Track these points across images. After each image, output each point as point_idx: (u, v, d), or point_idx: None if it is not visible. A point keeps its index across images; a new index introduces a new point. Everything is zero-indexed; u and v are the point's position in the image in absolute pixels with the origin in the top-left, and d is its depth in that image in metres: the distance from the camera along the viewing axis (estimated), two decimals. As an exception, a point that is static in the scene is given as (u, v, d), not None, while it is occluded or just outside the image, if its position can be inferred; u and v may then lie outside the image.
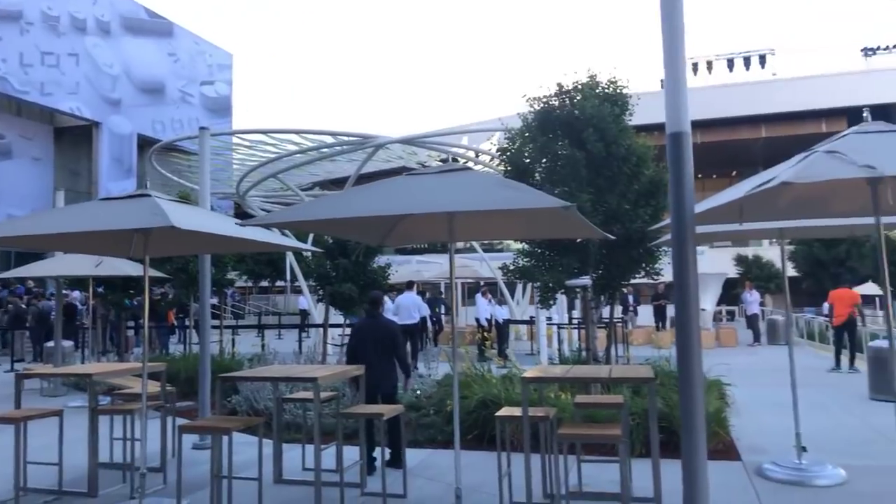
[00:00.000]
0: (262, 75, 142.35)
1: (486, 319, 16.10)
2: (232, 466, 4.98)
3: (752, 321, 18.48)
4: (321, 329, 12.19)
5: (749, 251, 32.50)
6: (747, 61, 42.31)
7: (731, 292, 28.99)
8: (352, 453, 5.88)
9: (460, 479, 4.44)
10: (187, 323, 15.45)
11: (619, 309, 22.24)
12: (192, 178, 22.36)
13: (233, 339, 13.96)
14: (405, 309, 12.51)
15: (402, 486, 5.46)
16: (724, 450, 6.63)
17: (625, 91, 9.21)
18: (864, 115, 4.38)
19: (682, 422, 3.55)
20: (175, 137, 25.40)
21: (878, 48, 41.14)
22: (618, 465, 5.43)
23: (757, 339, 18.20)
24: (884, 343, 9.75)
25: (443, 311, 21.14)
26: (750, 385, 10.47)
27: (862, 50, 40.74)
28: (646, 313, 21.73)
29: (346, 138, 16.29)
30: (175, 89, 42.97)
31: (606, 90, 9.22)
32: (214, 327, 14.18)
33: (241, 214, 20.78)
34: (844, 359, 12.77)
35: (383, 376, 6.02)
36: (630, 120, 9.12)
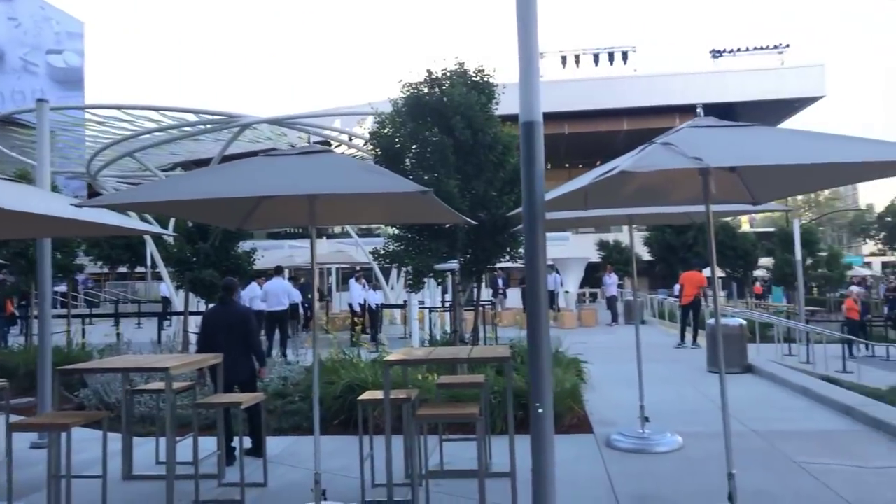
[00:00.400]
0: (122, 48, 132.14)
1: (360, 304, 16.02)
2: (72, 465, 4.64)
3: (611, 302, 19.70)
4: (182, 317, 11.59)
5: (610, 237, 34.46)
6: (611, 57, 44.70)
7: (593, 275, 30.70)
8: (211, 444, 5.66)
9: (320, 464, 4.40)
10: (31, 312, 14.15)
11: (489, 292, 22.97)
12: (34, 154, 20.38)
13: (83, 329, 12.96)
14: (274, 295, 12.19)
15: (263, 475, 5.34)
16: (579, 423, 7.04)
17: (491, 80, 9.44)
18: (698, 111, 4.76)
19: (531, 397, 3.71)
20: (12, 110, 23.02)
21: (725, 51, 44.86)
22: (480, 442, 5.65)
23: (615, 319, 19.43)
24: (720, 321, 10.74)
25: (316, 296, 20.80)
26: (605, 362, 11.16)
27: (711, 52, 44.25)
28: (514, 296, 22.54)
29: (210, 117, 15.49)
30: (16, 57, 38.99)
31: (474, 79, 9.41)
32: (61, 316, 13.08)
33: (95, 195, 19.20)
34: (690, 336, 13.93)
35: (238, 364, 5.84)
36: (496, 109, 9.37)
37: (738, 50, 44.19)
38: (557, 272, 22.10)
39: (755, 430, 6.63)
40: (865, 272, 36.28)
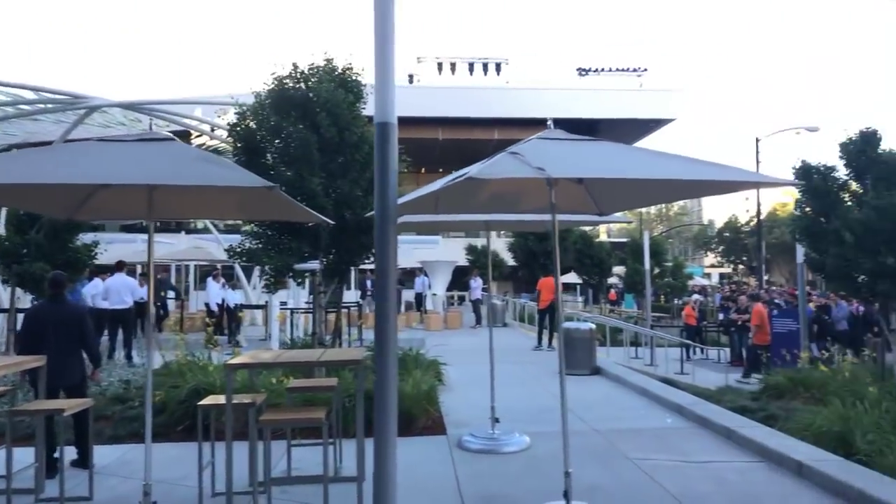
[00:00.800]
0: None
1: (218, 304, 15.28)
2: None
3: (475, 305, 20.16)
4: (7, 315, 10.47)
5: (479, 241, 35.38)
6: (485, 67, 45.91)
7: (462, 279, 31.35)
8: (29, 456, 5.13)
9: (150, 473, 4.10)
10: None
11: (357, 293, 22.77)
12: None
13: None
14: (115, 292, 11.27)
15: (88, 488, 4.91)
16: (433, 425, 7.10)
17: (360, 79, 9.34)
18: (548, 123, 4.93)
19: (375, 400, 3.66)
20: None
21: (591, 70, 47.50)
22: (331, 447, 5.53)
23: (479, 321, 19.91)
24: (570, 325, 11.30)
25: (171, 295, 19.62)
26: (465, 363, 11.36)
27: (577, 69, 46.66)
28: (383, 298, 22.45)
29: (51, 96, 14.14)
30: None
31: (343, 76, 9.27)
32: None
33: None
34: (546, 338, 14.54)
35: (67, 367, 5.33)
36: (364, 108, 9.28)
37: (603, 70, 46.93)
38: (426, 275, 22.32)
39: (596, 428, 7.00)
40: (704, 282, 39.78)
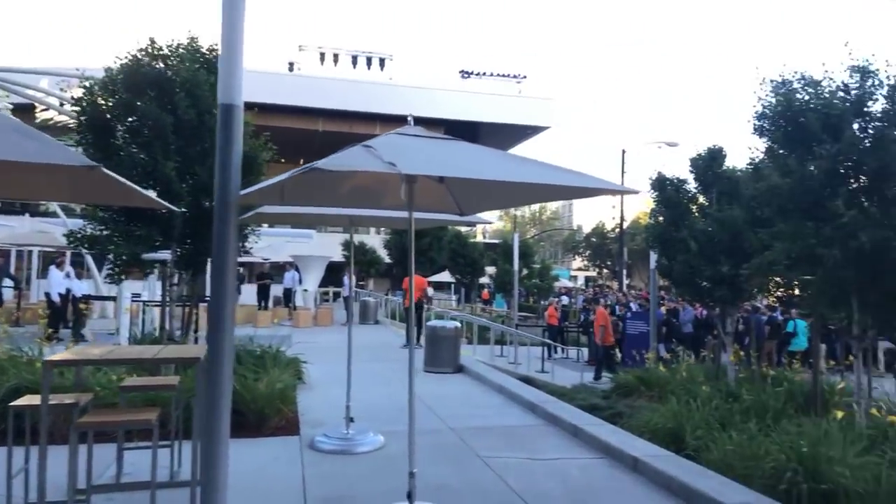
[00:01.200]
0: None
1: (61, 294, 14.00)
2: None
3: (347, 302, 19.86)
4: None
5: (357, 238, 35.04)
6: (369, 61, 45.51)
7: (338, 275, 30.88)
8: None
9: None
10: None
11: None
12: None
13: None
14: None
15: None
16: (287, 426, 6.85)
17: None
18: (409, 119, 4.88)
19: (207, 400, 3.43)
20: None
21: (473, 73, 48.38)
22: (169, 450, 5.17)
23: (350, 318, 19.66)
24: (436, 323, 11.38)
25: (9, 283, 17.79)
26: (331, 362, 11.12)
27: (460, 71, 47.39)
28: (250, 292, 21.64)
29: None
30: None
31: (207, 57, 8.76)
32: None
33: None
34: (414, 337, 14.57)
35: None
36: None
37: (484, 73, 47.95)
38: (297, 270, 21.71)
39: (452, 427, 7.05)
40: (570, 284, 41.76)
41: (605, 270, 68.19)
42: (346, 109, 43.76)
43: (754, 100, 7.40)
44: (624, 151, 33.94)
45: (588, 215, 79.65)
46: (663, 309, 17.10)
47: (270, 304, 21.24)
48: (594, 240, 68.33)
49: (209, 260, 9.46)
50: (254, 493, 4.89)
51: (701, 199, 11.76)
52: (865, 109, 6.83)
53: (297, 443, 6.33)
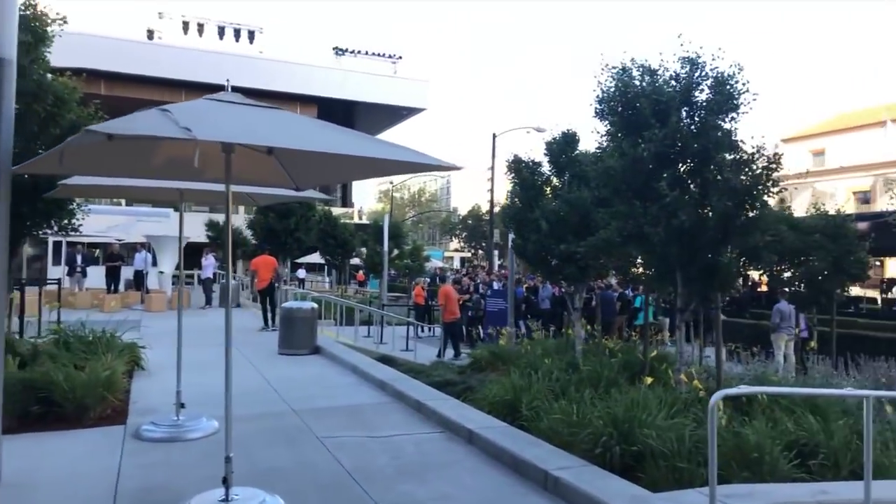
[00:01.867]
0: None
1: None
2: None
3: (206, 284, 18.97)
4: None
5: (220, 217, 33.47)
6: (237, 33, 43.43)
7: (197, 257, 29.45)
8: None
9: None
10: None
11: (65, 269, 20.06)
12: None
13: None
14: None
15: None
16: (113, 415, 6.41)
17: (47, 19, 8.04)
18: (226, 84, 4.61)
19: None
20: None
21: (347, 50, 47.44)
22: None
23: (209, 301, 18.78)
24: (291, 304, 11.08)
25: None
26: (182, 347, 10.63)
27: (334, 49, 46.31)
28: (98, 274, 20.11)
29: None
30: None
31: (23, 13, 7.88)
32: None
33: None
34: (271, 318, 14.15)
35: None
36: (49, 53, 8.04)
37: (359, 52, 47.17)
38: (149, 251, 20.41)
39: (296, 408, 6.87)
40: (441, 264, 42.32)
41: (480, 251, 69.81)
42: (211, 83, 41.42)
43: (594, 85, 7.70)
44: (494, 136, 34.71)
45: (465, 197, 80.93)
46: (524, 287, 17.71)
47: (121, 287, 19.85)
48: (470, 222, 69.66)
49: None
50: (57, 491, 4.49)
51: (555, 181, 12.19)
52: (693, 98, 7.30)
53: (121, 433, 5.91)
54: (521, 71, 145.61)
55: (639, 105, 7.23)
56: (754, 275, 19.53)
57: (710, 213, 6.62)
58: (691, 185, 7.09)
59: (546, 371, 7.65)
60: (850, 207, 33.94)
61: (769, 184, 6.84)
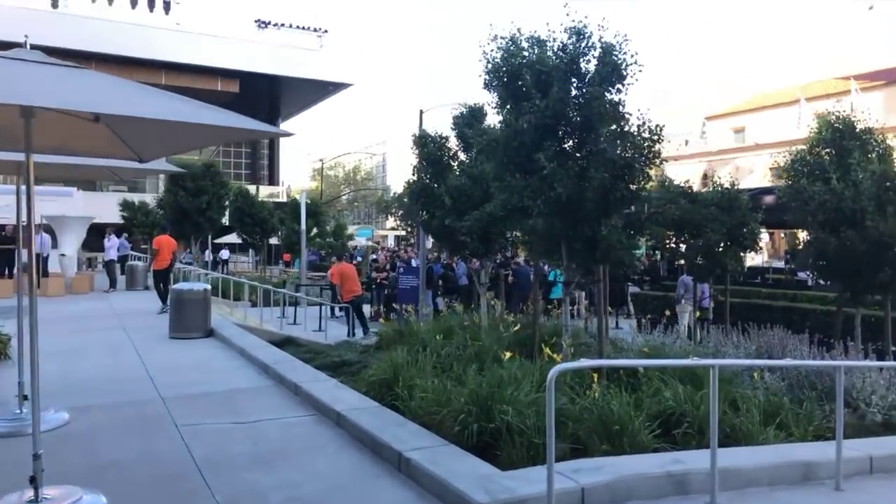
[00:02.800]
0: None
1: None
2: None
3: (108, 267, 18.05)
4: None
5: (136, 197, 32.05)
6: (151, 2, 41.28)
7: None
8: None
9: None
10: None
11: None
12: None
13: None
14: None
15: None
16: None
17: None
18: (24, 40, 4.16)
19: None
20: None
21: (270, 23, 45.80)
22: None
23: (113, 284, 17.90)
24: (182, 286, 10.57)
25: None
26: (63, 333, 10.12)
27: (256, 21, 44.63)
28: (-8, 259, 18.81)
29: None
30: None
31: None
32: None
33: None
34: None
35: None
36: None
37: (283, 25, 45.65)
38: (49, 232, 19.23)
39: (166, 396, 6.49)
40: (365, 242, 41.66)
41: (413, 229, 69.40)
42: (124, 55, 39.46)
43: (481, 55, 7.49)
44: (421, 112, 34.23)
45: (401, 175, 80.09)
46: (442, 264, 17.59)
47: (14, 271, 18.63)
48: (406, 200, 69.02)
49: None
50: None
51: (462, 156, 12.01)
52: (579, 69, 7.17)
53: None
54: (454, 44, 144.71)
55: (522, 76, 7.08)
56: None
57: (588, 186, 6.53)
58: (576, 159, 6.99)
59: (436, 347, 7.51)
60: (767, 182, 35.19)
61: (650, 156, 6.81)
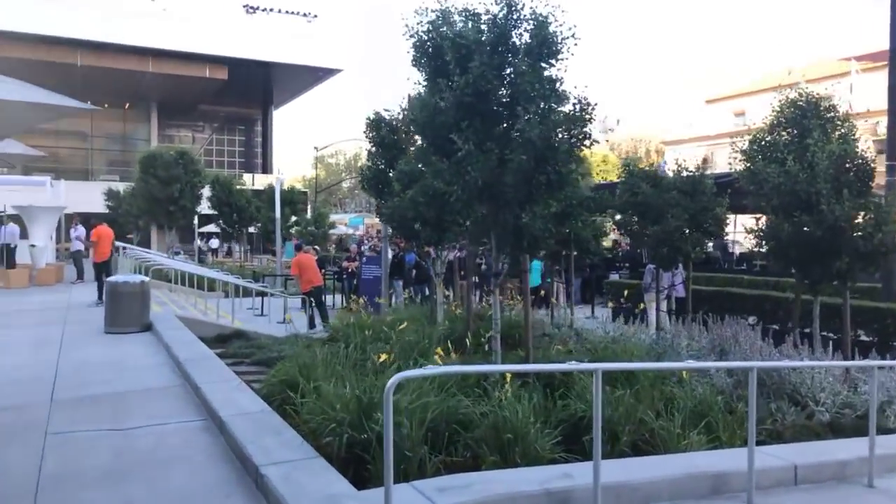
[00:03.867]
0: None
1: None
2: None
3: (75, 257, 17.67)
4: None
5: (123, 185, 31.72)
6: (137, -11, 40.63)
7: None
8: None
9: None
10: None
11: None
12: None
13: None
14: None
15: None
16: None
17: None
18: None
19: None
20: None
21: (259, 8, 45.11)
22: None
23: (80, 276, 17.54)
24: (118, 278, 10.15)
25: None
26: (14, 327, 9.85)
27: (244, 6, 43.96)
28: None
29: None
30: None
31: None
32: None
33: None
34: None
35: None
36: None
37: (272, 10, 44.97)
38: (17, 223, 18.88)
39: (57, 398, 6.08)
40: (348, 230, 41.05)
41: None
42: (110, 42, 39.00)
43: (406, 31, 6.97)
44: (410, 96, 33.61)
45: (399, 162, 78.94)
46: (416, 253, 17.10)
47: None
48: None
49: None
50: None
51: (419, 140, 11.49)
52: (509, 43, 6.64)
53: None
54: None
55: (444, 51, 6.56)
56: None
57: (507, 170, 6.03)
58: (497, 140, 6.46)
59: (359, 343, 7.08)
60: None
61: (581, 137, 6.31)
